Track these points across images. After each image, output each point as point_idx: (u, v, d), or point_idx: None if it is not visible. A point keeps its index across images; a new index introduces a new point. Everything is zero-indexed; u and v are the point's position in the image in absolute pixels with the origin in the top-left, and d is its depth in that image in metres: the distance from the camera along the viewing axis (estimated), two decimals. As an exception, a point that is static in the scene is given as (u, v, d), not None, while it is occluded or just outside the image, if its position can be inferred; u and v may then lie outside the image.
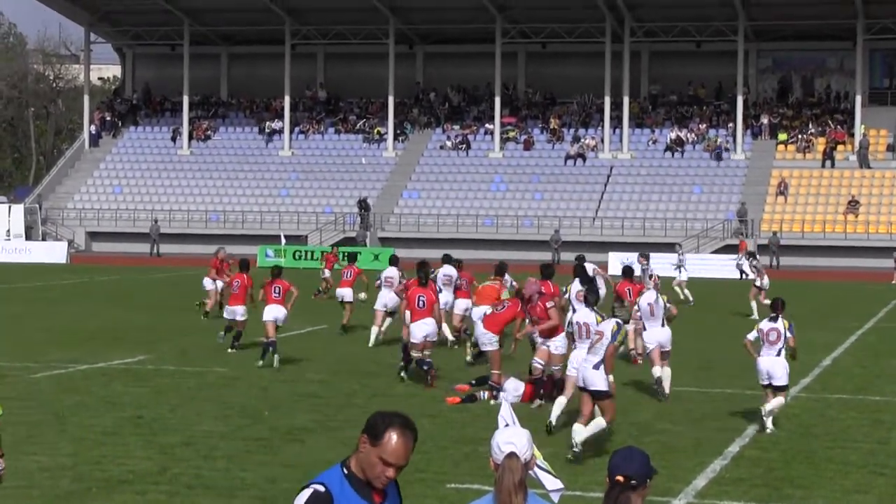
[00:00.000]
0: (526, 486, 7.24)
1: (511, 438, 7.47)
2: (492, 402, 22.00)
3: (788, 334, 20.30)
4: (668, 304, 24.13)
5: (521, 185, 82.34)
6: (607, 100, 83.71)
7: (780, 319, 20.43)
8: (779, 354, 20.21)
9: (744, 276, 65.13)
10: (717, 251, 74.31)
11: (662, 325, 23.66)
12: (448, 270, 31.28)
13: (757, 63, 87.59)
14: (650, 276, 26.75)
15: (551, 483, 7.83)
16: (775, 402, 20.01)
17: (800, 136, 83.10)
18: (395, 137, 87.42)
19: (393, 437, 6.84)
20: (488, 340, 23.35)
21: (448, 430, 19.64)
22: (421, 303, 24.37)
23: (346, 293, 34.92)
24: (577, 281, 27.75)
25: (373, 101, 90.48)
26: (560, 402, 19.42)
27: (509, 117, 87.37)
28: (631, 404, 22.22)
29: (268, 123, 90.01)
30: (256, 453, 17.77)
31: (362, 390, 23.58)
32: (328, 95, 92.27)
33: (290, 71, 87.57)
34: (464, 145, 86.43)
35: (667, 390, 22.97)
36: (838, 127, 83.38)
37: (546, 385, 22.12)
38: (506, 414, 7.94)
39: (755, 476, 17.02)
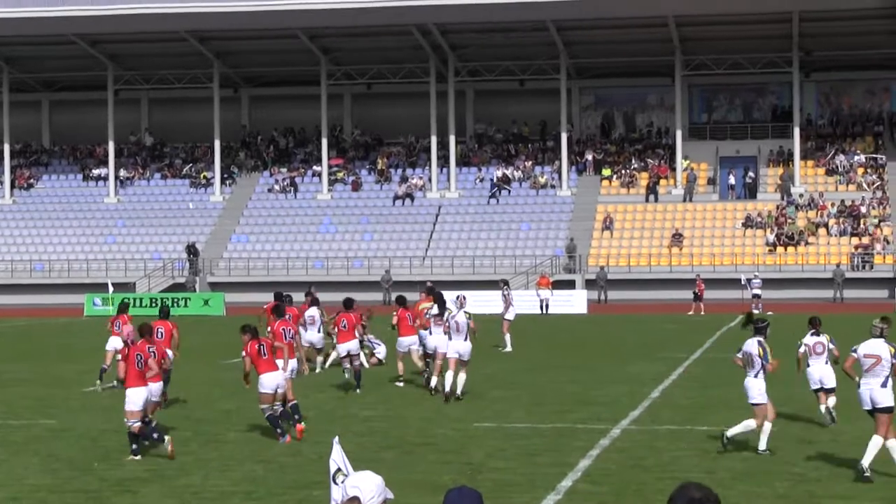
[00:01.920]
0: None
1: (358, 483, 7.43)
2: None
3: (831, 345, 24.00)
4: (469, 321, 28.14)
5: (350, 226, 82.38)
6: (434, 139, 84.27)
7: (821, 334, 24.05)
8: (826, 363, 23.95)
9: (545, 311, 66.23)
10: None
11: (465, 339, 27.98)
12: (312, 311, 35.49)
13: (580, 100, 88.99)
14: (458, 298, 29.97)
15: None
16: (831, 401, 23.79)
17: (623, 172, 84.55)
18: (223, 181, 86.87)
19: None
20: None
21: (282, 475, 19.51)
22: (159, 334, 26.83)
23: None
24: (434, 307, 29.90)
25: (199, 145, 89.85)
26: (749, 425, 20.94)
27: (337, 159, 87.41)
28: (465, 443, 22.31)
29: (92, 170, 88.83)
30: (87, 507, 17.44)
31: (196, 437, 23.31)
32: (154, 141, 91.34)
33: (114, 117, 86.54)
34: (292, 188, 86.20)
35: (459, 391, 27.89)
36: (660, 162, 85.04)
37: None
38: (337, 457, 7.92)
39: (588, 509, 17.20)
